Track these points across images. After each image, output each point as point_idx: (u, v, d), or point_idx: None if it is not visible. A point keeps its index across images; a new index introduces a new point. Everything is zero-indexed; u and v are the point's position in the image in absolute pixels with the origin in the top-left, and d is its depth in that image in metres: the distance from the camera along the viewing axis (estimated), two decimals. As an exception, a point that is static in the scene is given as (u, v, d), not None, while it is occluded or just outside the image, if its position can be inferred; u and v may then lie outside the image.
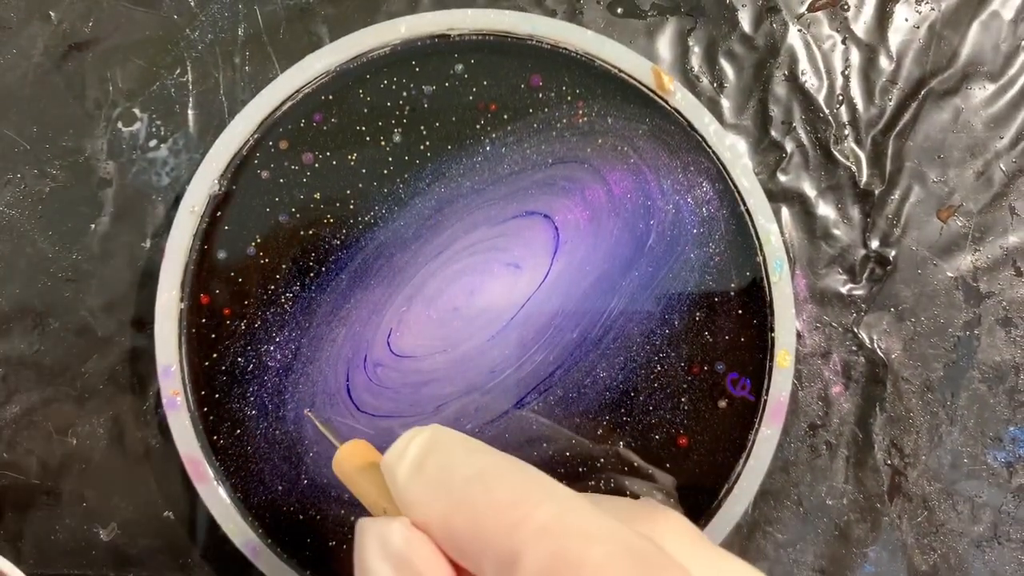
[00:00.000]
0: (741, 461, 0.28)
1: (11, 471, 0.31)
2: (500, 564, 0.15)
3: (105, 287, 0.31)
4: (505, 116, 0.29)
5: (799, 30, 0.32)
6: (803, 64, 0.32)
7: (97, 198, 0.31)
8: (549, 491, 0.16)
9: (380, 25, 0.29)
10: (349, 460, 0.20)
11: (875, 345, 0.31)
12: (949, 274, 0.31)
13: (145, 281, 0.31)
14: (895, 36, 0.32)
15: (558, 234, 0.29)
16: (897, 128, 0.32)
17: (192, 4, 0.32)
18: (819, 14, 0.32)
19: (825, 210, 0.31)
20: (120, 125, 0.31)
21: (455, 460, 0.17)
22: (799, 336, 0.31)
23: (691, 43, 0.32)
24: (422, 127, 0.29)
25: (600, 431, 0.29)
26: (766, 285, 0.29)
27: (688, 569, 0.16)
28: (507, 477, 0.16)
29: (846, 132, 0.32)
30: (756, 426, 0.29)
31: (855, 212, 0.31)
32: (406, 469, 0.17)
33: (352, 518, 0.28)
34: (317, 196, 0.29)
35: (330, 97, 0.29)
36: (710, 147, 0.29)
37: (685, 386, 0.29)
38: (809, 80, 0.32)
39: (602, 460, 0.28)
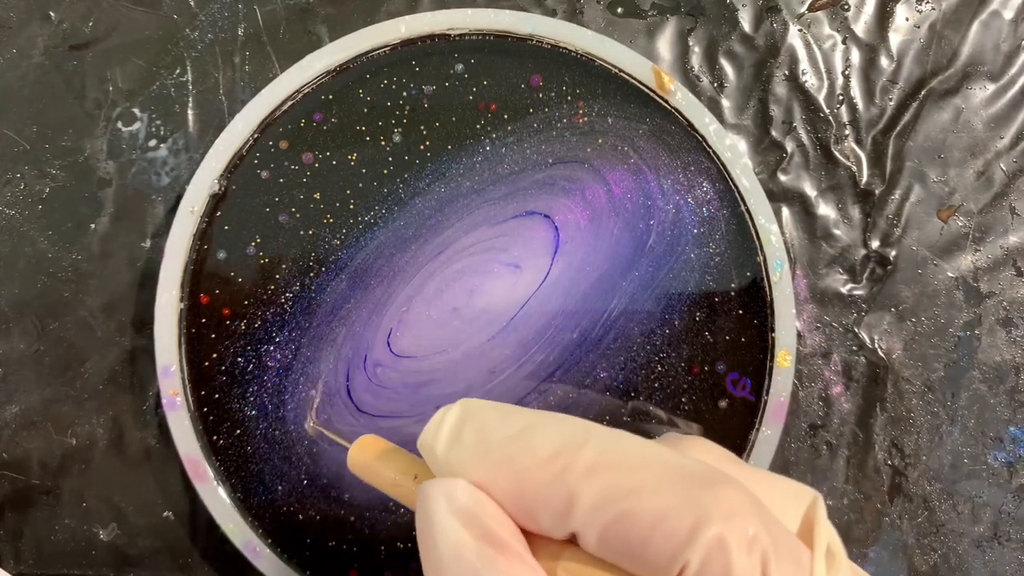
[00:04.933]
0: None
1: (11, 471, 0.31)
2: (555, 513, 0.16)
3: (105, 287, 0.31)
4: (505, 116, 0.29)
5: (799, 30, 0.32)
6: (803, 64, 0.32)
7: (97, 198, 0.31)
8: (587, 433, 0.16)
9: (380, 25, 0.29)
10: (363, 453, 0.21)
11: (876, 345, 0.31)
12: (949, 274, 0.31)
13: (145, 281, 0.31)
14: (895, 36, 0.32)
15: (558, 234, 0.29)
16: (897, 128, 0.32)
17: (192, 4, 0.32)
18: (819, 14, 0.32)
19: (825, 210, 0.31)
20: (120, 125, 0.31)
21: (490, 424, 0.17)
22: (799, 336, 0.31)
23: (691, 43, 0.32)
24: (422, 127, 0.29)
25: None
26: (766, 285, 0.29)
27: (740, 481, 0.16)
28: (544, 430, 0.16)
29: (846, 132, 0.32)
30: (756, 426, 0.29)
31: (855, 212, 0.31)
32: (443, 442, 0.17)
33: (352, 518, 0.28)
34: (317, 196, 0.29)
35: (330, 97, 0.29)
36: (710, 147, 0.29)
37: (685, 386, 0.29)
38: (809, 80, 0.32)
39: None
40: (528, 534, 0.17)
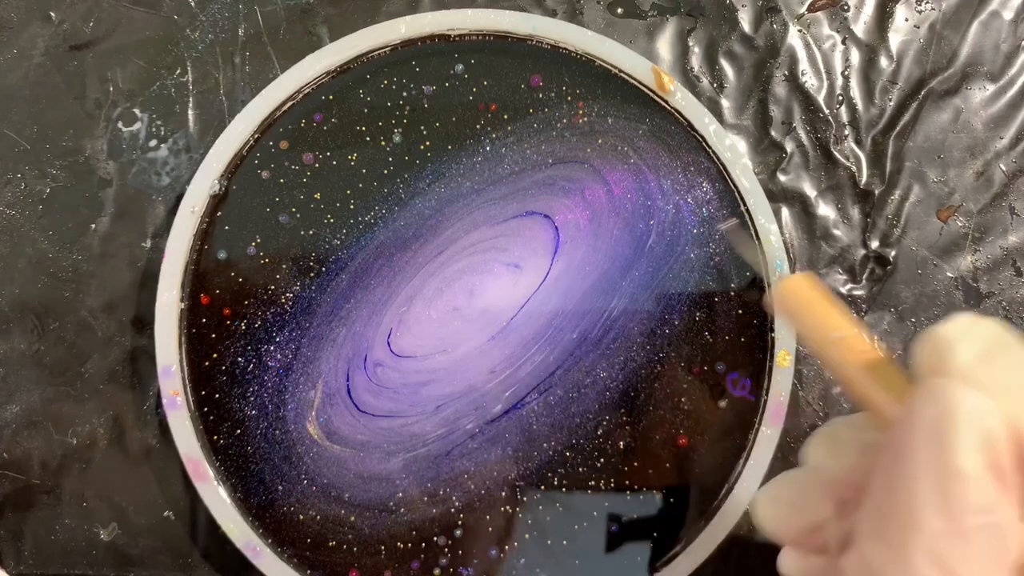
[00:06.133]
0: (741, 461, 0.28)
1: (11, 471, 0.31)
2: None
3: (105, 287, 0.31)
4: (505, 116, 0.29)
5: (799, 30, 0.32)
6: (803, 64, 0.32)
7: (97, 198, 0.31)
8: None
9: (380, 25, 0.29)
10: (800, 291, 0.18)
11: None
12: (949, 274, 0.31)
13: (145, 281, 0.31)
14: (895, 36, 0.32)
15: (558, 234, 0.29)
16: (897, 128, 0.32)
17: (192, 4, 0.32)
18: (819, 14, 0.32)
19: (825, 210, 0.31)
20: (120, 125, 0.31)
21: None
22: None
23: (691, 43, 0.32)
24: (422, 127, 0.29)
25: (600, 431, 0.29)
26: (766, 285, 0.29)
27: None
28: None
29: (846, 132, 0.32)
30: (756, 426, 0.29)
31: (855, 212, 0.31)
32: (972, 352, 0.15)
33: (352, 518, 0.28)
34: (317, 196, 0.29)
35: (330, 97, 0.29)
36: (710, 147, 0.29)
37: (685, 386, 0.29)
38: (809, 80, 0.32)
39: (602, 460, 0.28)
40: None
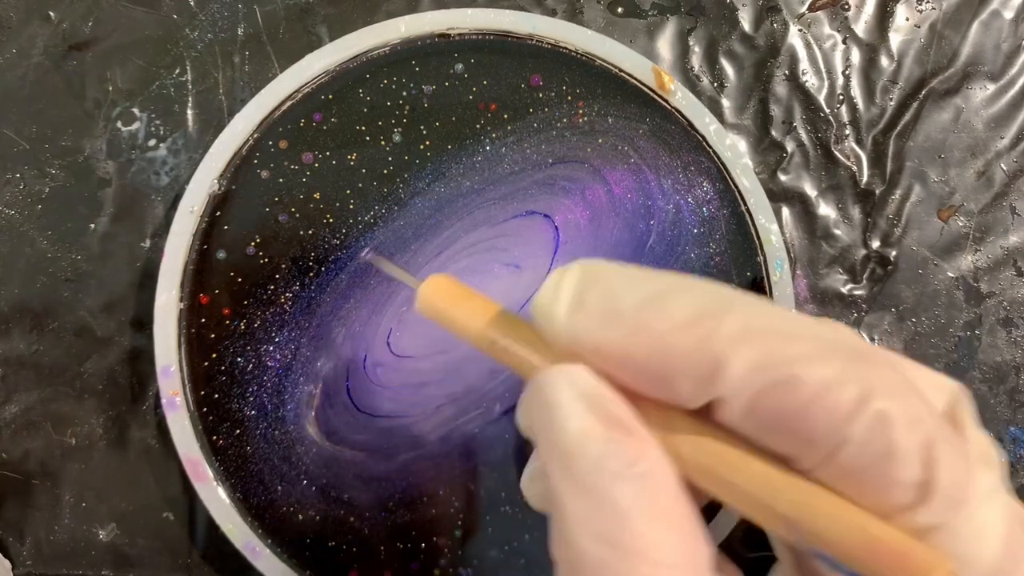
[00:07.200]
0: (741, 461, 0.28)
1: (11, 471, 0.31)
2: (698, 378, 0.15)
3: (105, 287, 0.31)
4: (505, 116, 0.29)
5: (800, 30, 0.32)
6: (804, 64, 0.32)
7: (96, 198, 0.31)
8: (730, 301, 0.15)
9: (380, 25, 0.29)
10: (438, 294, 0.18)
11: (876, 345, 0.31)
12: (950, 274, 0.31)
13: (145, 281, 0.31)
14: (896, 36, 0.32)
15: (558, 234, 0.29)
16: (898, 128, 0.32)
17: (192, 4, 0.32)
18: (820, 14, 0.32)
19: (826, 210, 0.31)
20: (119, 125, 0.31)
21: (618, 289, 0.16)
22: (799, 336, 0.31)
23: (691, 43, 0.32)
24: (422, 127, 0.29)
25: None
26: (767, 285, 0.29)
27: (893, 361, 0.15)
28: (680, 295, 0.15)
29: (847, 132, 0.32)
30: (756, 426, 0.28)
31: (856, 212, 0.31)
32: (565, 308, 0.16)
33: (352, 518, 0.28)
34: (317, 196, 0.29)
35: (330, 97, 0.29)
36: (710, 147, 0.29)
37: (685, 386, 0.29)
38: (810, 80, 0.32)
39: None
40: (643, 406, 0.16)
